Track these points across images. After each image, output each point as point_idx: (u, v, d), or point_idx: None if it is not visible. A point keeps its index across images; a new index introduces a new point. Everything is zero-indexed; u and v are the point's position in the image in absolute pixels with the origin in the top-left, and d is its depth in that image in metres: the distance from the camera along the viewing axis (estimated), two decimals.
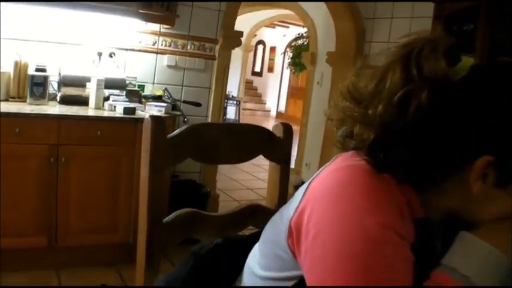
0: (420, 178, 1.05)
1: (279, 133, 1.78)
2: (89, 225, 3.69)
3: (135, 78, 4.34)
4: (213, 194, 4.90)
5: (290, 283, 1.14)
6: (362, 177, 1.02)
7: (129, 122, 3.64)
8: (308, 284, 1.06)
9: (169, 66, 4.62)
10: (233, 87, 14.80)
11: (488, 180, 1.00)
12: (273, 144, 1.77)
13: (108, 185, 3.70)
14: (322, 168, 1.14)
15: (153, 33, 4.52)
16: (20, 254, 3.57)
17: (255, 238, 1.45)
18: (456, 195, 1.06)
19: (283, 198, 1.81)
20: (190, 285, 1.26)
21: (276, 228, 1.19)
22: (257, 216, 1.76)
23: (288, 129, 1.79)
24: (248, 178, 7.34)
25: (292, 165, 6.04)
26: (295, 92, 16.34)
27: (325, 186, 1.05)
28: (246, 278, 1.34)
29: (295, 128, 1.91)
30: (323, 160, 5.31)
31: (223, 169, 6.51)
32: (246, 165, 7.94)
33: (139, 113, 3.75)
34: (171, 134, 1.52)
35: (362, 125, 1.09)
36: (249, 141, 1.73)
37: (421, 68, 1.01)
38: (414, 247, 1.02)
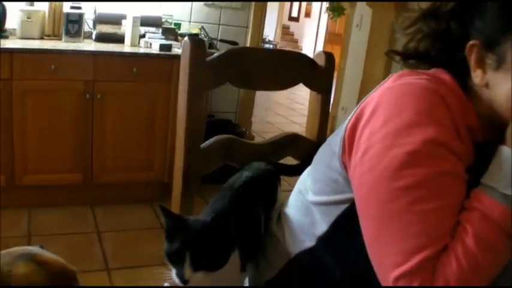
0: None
1: (321, 62, 1.72)
2: (124, 162, 3.70)
3: (171, 16, 4.26)
4: (249, 134, 4.87)
5: (343, 207, 1.14)
6: (420, 94, 1.00)
7: (165, 59, 3.59)
8: (356, 199, 1.07)
9: (206, 5, 4.51)
10: (270, 31, 14.64)
11: (486, 66, 1.01)
12: (314, 73, 1.70)
13: (143, 122, 3.68)
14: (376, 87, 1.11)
15: None
16: (56, 191, 3.62)
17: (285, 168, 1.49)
18: (483, 100, 1.05)
19: (323, 128, 1.76)
20: (232, 218, 1.23)
21: (329, 151, 1.18)
22: (296, 146, 1.71)
23: (330, 58, 1.73)
24: (283, 121, 7.28)
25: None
26: (332, 38, 16.02)
27: (379, 103, 1.03)
28: (295, 205, 1.32)
29: None
30: None
31: (258, 112, 6.45)
32: (281, 108, 7.91)
33: (175, 51, 3.69)
34: (210, 57, 1.46)
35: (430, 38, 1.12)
36: (289, 68, 1.67)
37: None
38: (472, 169, 1.00)
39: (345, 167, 1.10)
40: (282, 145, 1.67)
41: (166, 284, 1.68)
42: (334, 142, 1.16)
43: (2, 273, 0.93)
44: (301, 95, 8.79)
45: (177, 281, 1.14)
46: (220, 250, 1.17)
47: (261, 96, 7.32)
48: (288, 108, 7.93)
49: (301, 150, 1.72)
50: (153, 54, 3.61)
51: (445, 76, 1.05)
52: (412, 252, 0.94)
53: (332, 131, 1.26)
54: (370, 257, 1.03)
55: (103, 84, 3.47)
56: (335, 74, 1.77)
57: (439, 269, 0.93)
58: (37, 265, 0.97)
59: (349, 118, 1.10)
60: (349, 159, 1.08)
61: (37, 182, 3.51)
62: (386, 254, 0.97)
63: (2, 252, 1.00)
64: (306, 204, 1.26)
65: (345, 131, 1.09)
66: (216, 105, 4.49)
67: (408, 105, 0.98)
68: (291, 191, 1.44)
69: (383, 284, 1.00)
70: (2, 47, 3.17)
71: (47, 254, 1.02)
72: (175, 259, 1.15)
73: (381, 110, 1.02)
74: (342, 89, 6.15)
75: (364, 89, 5.45)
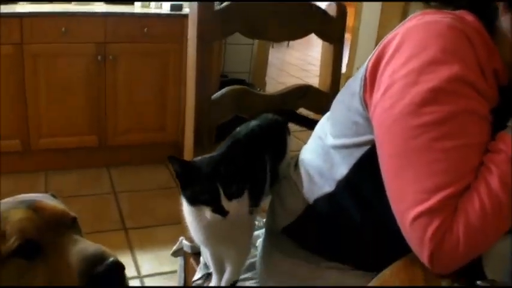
0: None
1: (332, 12, 1.69)
2: (138, 123, 3.70)
3: None
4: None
5: (363, 149, 1.13)
6: (445, 32, 0.97)
7: (176, 19, 3.54)
8: (376, 136, 1.06)
9: None
10: None
11: None
12: (326, 23, 1.68)
13: (156, 83, 3.67)
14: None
15: None
16: (71, 153, 3.64)
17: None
18: (509, 45, 1.02)
19: (336, 79, 1.75)
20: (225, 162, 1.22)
21: (348, 93, 1.17)
22: (309, 97, 1.70)
23: (342, 8, 1.71)
24: (297, 82, 7.21)
25: (344, 70, 5.92)
26: None
27: (403, 41, 1.01)
28: (313, 151, 1.31)
29: (346, 36, 1.83)
30: None
31: (272, 72, 6.41)
32: (294, 69, 7.85)
33: (186, 10, 3.64)
34: (219, 6, 1.44)
35: None
36: (300, 18, 1.64)
37: None
38: (496, 112, 0.99)
39: (365, 106, 1.09)
40: (295, 96, 1.66)
41: (181, 238, 1.69)
42: (354, 83, 1.13)
43: (1, 219, 0.93)
44: (315, 56, 8.71)
45: (210, 216, 1.15)
46: (241, 177, 1.19)
47: (274, 57, 7.27)
48: (301, 70, 7.85)
49: (313, 101, 1.71)
50: (163, 14, 3.57)
51: (469, 17, 1.02)
52: (433, 190, 0.92)
53: None
54: (388, 196, 1.02)
55: (114, 45, 3.45)
56: (349, 36, 1.75)
57: (461, 208, 0.92)
58: (34, 212, 0.96)
59: (370, 57, 1.08)
60: (370, 98, 1.06)
61: (52, 145, 3.52)
62: (406, 192, 0.96)
63: (8, 199, 1.00)
64: (325, 149, 1.24)
65: (366, 69, 1.07)
66: (229, 65, 4.46)
67: (433, 43, 0.96)
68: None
69: (400, 224, 0.99)
70: (11, 11, 3.16)
71: (49, 201, 1.02)
72: (205, 198, 1.16)
73: (405, 47, 0.99)
74: (356, 49, 6.09)
75: None
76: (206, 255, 1.45)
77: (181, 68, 3.62)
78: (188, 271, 1.67)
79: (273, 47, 7.91)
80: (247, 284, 1.49)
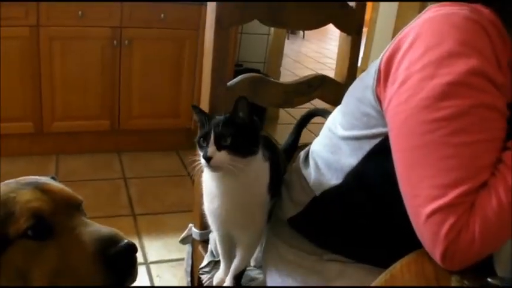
0: None
1: (352, 3, 1.67)
2: (151, 109, 3.69)
3: None
4: None
5: (374, 141, 1.12)
6: (462, 24, 0.95)
7: (194, 6, 3.51)
8: (390, 130, 1.04)
9: None
10: None
11: None
12: (344, 13, 1.66)
13: (170, 69, 3.65)
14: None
15: None
16: (83, 137, 3.64)
17: None
18: None
19: (352, 71, 1.73)
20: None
21: (361, 85, 1.16)
22: (324, 87, 1.68)
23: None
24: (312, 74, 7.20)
25: (359, 64, 5.89)
26: None
27: (419, 33, 0.99)
28: (322, 143, 1.30)
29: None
30: None
31: (287, 64, 6.39)
32: (310, 62, 7.82)
33: None
34: None
35: None
36: (319, 7, 1.62)
37: None
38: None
39: (378, 99, 1.07)
40: (310, 86, 1.64)
41: (190, 225, 1.69)
42: (367, 76, 1.12)
43: (8, 199, 0.92)
44: (330, 49, 8.68)
45: (202, 162, 1.21)
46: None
47: (289, 48, 7.23)
48: (316, 62, 7.82)
49: (329, 92, 1.69)
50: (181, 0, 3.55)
51: (484, 10, 1.00)
52: (449, 186, 0.90)
53: None
54: (401, 191, 1.00)
55: (130, 30, 3.44)
56: (365, 30, 1.74)
57: (478, 205, 0.90)
58: (42, 193, 0.95)
59: (385, 50, 1.06)
60: (384, 91, 1.05)
61: (64, 128, 3.52)
62: (421, 187, 0.94)
63: (10, 180, 0.99)
64: (334, 142, 1.23)
65: (380, 62, 1.06)
66: (244, 54, 4.44)
67: (450, 35, 0.94)
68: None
69: (413, 220, 0.97)
70: None
71: (54, 183, 1.01)
72: (202, 143, 1.23)
73: (421, 40, 0.98)
74: (372, 42, 6.05)
75: None
76: (215, 242, 1.45)
77: (197, 55, 3.60)
78: (196, 259, 1.67)
79: (288, 38, 7.90)
80: (252, 274, 1.48)
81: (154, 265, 2.56)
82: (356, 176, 1.17)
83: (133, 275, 0.93)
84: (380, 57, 1.07)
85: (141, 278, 2.44)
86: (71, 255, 0.89)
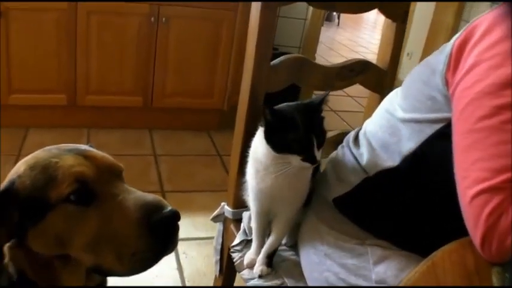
0: None
1: None
2: (185, 88, 3.68)
3: None
4: None
5: (436, 126, 1.13)
6: None
7: None
8: (453, 113, 1.05)
9: None
10: None
11: None
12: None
13: (207, 49, 3.63)
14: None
15: None
16: (115, 112, 3.66)
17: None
18: None
19: (395, 58, 1.71)
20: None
21: (427, 70, 1.17)
22: (366, 73, 1.67)
23: None
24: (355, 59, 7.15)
25: None
26: None
27: (493, 25, 1.01)
28: (378, 123, 1.30)
29: None
30: (427, 50, 5.08)
31: (321, 50, 6.34)
32: (344, 50, 7.77)
33: None
34: None
35: None
36: None
37: None
38: None
39: (446, 84, 1.09)
40: (352, 70, 1.63)
41: (222, 203, 1.69)
42: (435, 60, 1.14)
43: (49, 164, 0.92)
44: (366, 38, 8.61)
45: (302, 164, 1.22)
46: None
47: (324, 35, 7.18)
48: (351, 51, 7.76)
49: (370, 78, 1.68)
50: None
51: None
52: (498, 170, 0.91)
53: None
54: (455, 173, 1.01)
55: (168, 8, 3.42)
56: None
57: None
58: (85, 159, 0.95)
59: (456, 36, 1.09)
60: (453, 76, 1.06)
61: (98, 102, 3.54)
62: (472, 168, 0.95)
63: (50, 146, 0.99)
64: (392, 123, 1.24)
65: (452, 48, 1.08)
66: (280, 38, 4.41)
67: None
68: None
69: (461, 202, 0.98)
70: None
71: (96, 151, 1.01)
72: (298, 147, 1.21)
73: (495, 31, 1.00)
74: (409, 33, 5.98)
75: (432, 36, 5.28)
76: (249, 220, 1.44)
77: (234, 35, 3.59)
78: (226, 238, 1.66)
79: (323, 25, 7.87)
80: (284, 254, 1.48)
81: (181, 242, 2.56)
82: (414, 160, 1.17)
83: (174, 243, 0.93)
84: (451, 43, 1.09)
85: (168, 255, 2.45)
86: (114, 221, 0.90)
